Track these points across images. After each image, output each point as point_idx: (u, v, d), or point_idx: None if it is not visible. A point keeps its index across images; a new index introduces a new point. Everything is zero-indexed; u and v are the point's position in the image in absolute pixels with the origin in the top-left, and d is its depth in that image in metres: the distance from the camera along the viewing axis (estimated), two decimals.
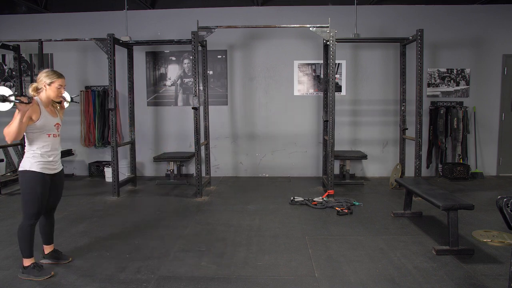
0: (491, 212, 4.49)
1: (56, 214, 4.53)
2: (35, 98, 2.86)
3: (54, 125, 2.96)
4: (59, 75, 2.93)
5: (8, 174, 6.53)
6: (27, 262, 2.89)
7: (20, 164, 2.87)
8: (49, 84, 2.88)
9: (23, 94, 2.76)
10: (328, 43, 5.24)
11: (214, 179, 6.57)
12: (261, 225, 4.14)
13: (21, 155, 6.29)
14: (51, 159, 2.92)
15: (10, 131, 2.64)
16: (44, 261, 3.14)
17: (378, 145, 6.81)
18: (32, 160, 2.83)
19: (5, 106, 2.68)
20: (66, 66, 6.96)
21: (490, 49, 6.61)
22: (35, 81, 2.93)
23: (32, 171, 2.81)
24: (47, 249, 3.18)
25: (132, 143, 6.12)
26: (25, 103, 2.64)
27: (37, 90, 2.92)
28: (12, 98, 2.64)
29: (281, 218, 4.41)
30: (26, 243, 2.87)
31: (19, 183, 2.88)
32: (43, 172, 2.86)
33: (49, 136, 2.90)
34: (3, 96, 2.63)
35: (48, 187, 2.91)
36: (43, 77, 2.89)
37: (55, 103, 3.03)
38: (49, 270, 2.93)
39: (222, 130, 6.92)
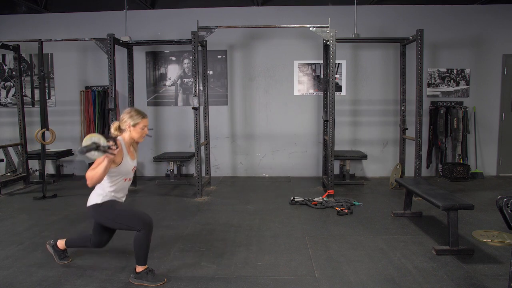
0: (491, 212, 4.49)
1: (56, 214, 4.58)
2: (118, 138, 2.75)
3: (132, 169, 2.89)
4: (143, 115, 2.84)
5: (8, 174, 6.53)
6: (140, 268, 2.81)
7: (90, 199, 2.82)
8: (134, 126, 2.80)
9: (109, 136, 2.62)
10: (328, 43, 5.24)
11: (214, 179, 6.57)
12: (261, 225, 4.14)
13: (20, 155, 6.30)
14: (120, 200, 2.90)
15: (94, 176, 2.55)
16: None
17: (378, 145, 6.81)
18: (103, 197, 2.79)
19: (96, 155, 2.51)
20: (66, 66, 6.97)
21: (490, 49, 6.60)
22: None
23: (103, 201, 2.78)
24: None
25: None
26: (114, 149, 2.54)
27: (119, 130, 2.84)
28: (105, 147, 2.50)
29: (281, 218, 4.41)
30: (142, 251, 2.77)
31: (99, 219, 2.82)
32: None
33: (125, 181, 2.86)
34: (96, 144, 2.47)
35: None
36: (126, 118, 2.79)
37: (135, 142, 2.94)
38: (162, 277, 2.85)
39: (222, 130, 6.92)
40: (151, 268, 2.87)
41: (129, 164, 2.84)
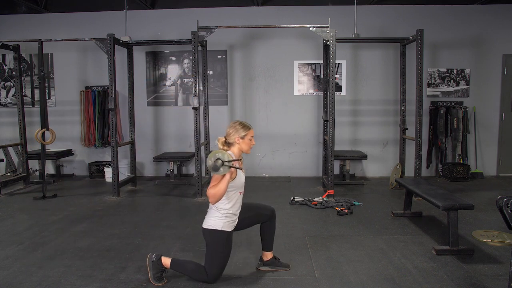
0: (491, 212, 4.49)
1: (56, 214, 4.58)
2: (229, 153, 2.70)
3: (244, 182, 2.86)
4: (249, 127, 2.82)
5: (8, 174, 6.53)
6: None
7: (209, 222, 2.73)
8: (242, 138, 2.77)
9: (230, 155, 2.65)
10: (328, 43, 5.24)
11: None
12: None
13: (20, 155, 6.29)
14: (237, 217, 2.82)
15: (217, 193, 2.54)
16: (263, 268, 3.01)
17: (378, 145, 6.81)
18: (224, 220, 2.70)
19: (222, 171, 2.51)
20: (66, 66, 6.97)
21: (490, 49, 6.60)
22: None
23: (225, 231, 2.71)
24: (268, 255, 3.03)
25: (132, 143, 6.12)
26: (238, 167, 2.57)
27: (226, 144, 2.80)
28: (230, 162, 2.50)
29: (281, 218, 4.40)
30: (181, 271, 2.80)
31: (209, 241, 2.73)
32: (231, 231, 2.77)
33: (240, 194, 2.81)
34: (222, 161, 2.48)
35: None
36: (233, 132, 2.77)
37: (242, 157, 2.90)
38: (162, 277, 2.86)
39: (222, 130, 6.87)
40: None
41: (242, 176, 2.81)
